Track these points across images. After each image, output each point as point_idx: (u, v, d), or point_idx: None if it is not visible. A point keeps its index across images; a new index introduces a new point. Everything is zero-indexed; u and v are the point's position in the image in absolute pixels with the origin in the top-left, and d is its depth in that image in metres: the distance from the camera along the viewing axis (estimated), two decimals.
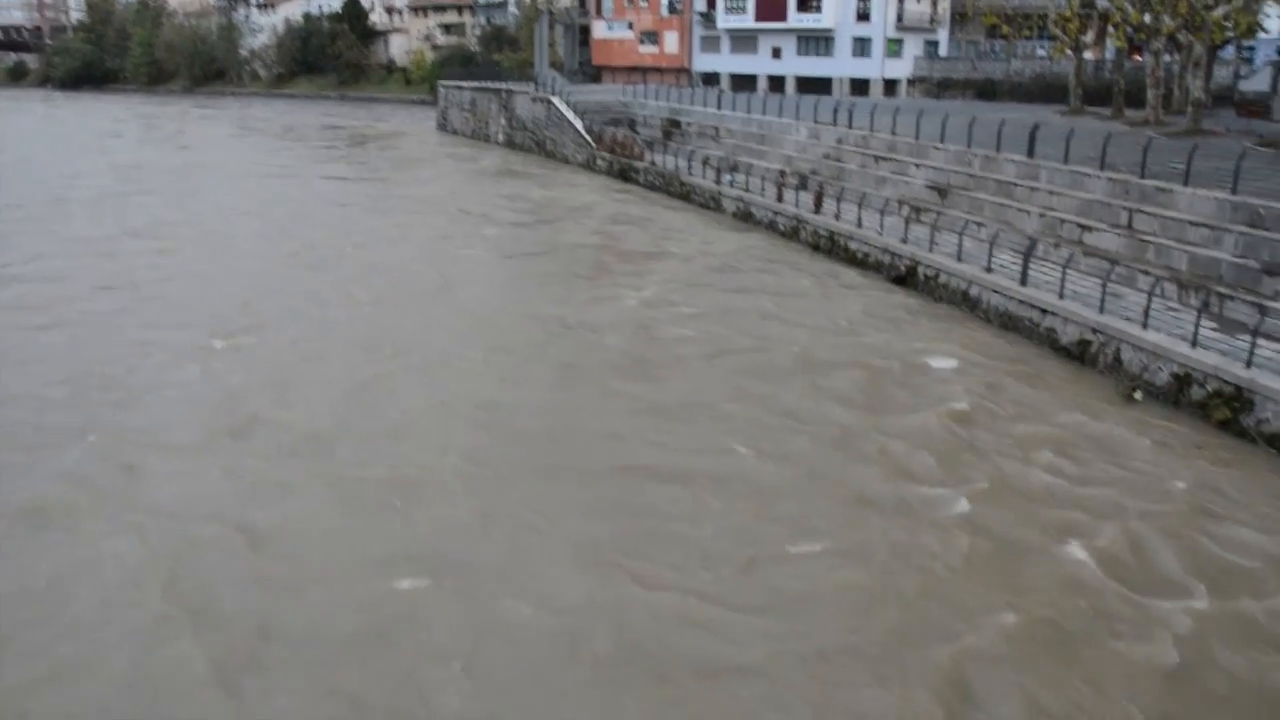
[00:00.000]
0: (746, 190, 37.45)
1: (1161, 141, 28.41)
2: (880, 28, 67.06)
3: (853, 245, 30.08)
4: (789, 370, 20.71)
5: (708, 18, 75.72)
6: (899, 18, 67.75)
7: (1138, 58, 51.79)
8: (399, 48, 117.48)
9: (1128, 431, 17.63)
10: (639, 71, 76.27)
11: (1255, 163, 24.02)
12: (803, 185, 35.86)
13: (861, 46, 67.96)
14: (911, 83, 66.60)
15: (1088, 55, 49.15)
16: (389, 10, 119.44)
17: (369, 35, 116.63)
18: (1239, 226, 22.38)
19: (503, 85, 64.68)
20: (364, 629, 11.63)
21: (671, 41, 79.30)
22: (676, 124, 50.62)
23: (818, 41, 69.73)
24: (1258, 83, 49.77)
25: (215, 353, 21.72)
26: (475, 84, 69.47)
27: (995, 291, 23.89)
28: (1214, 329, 19.38)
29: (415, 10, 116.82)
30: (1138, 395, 19.12)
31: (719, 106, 48.53)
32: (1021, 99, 55.91)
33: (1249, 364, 17.40)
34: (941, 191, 31.23)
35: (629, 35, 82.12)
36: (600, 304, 26.07)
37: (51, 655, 11.11)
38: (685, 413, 18.47)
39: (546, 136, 57.12)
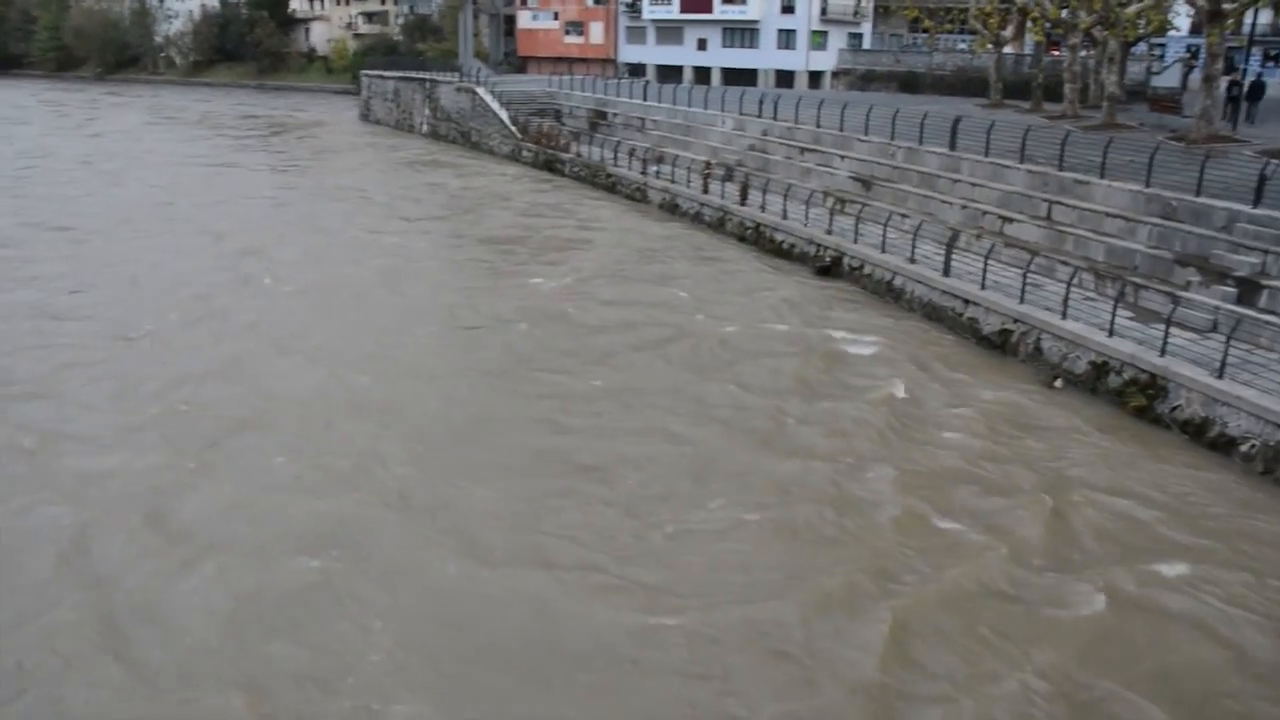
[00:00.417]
0: (673, 182, 37.32)
1: (1078, 135, 28.89)
2: (805, 20, 67.35)
3: (778, 236, 30.12)
4: (707, 358, 20.73)
5: (633, 8, 75.41)
6: (823, 10, 68.11)
7: (1056, 53, 52.82)
8: (320, 36, 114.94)
9: (1045, 417, 17.90)
10: (565, 62, 75.72)
11: (1167, 156, 24.53)
12: (729, 177, 35.84)
13: (786, 39, 68.23)
14: (836, 75, 67.04)
15: (1008, 49, 49.87)
16: None
17: (289, 23, 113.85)
18: (1153, 218, 22.85)
19: (427, 75, 63.62)
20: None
21: (597, 32, 78.84)
22: (602, 115, 50.31)
23: (743, 33, 69.87)
24: (1169, 79, 51.07)
25: (116, 349, 21.08)
26: (399, 74, 68.25)
27: (919, 282, 24.07)
28: (1130, 318, 19.74)
29: None
30: (1058, 383, 19.40)
31: (645, 98, 48.36)
32: (944, 92, 56.61)
33: (1162, 352, 17.74)
34: (865, 183, 31.42)
35: (554, 25, 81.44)
36: (515, 293, 25.83)
37: None
38: (601, 398, 18.50)
39: (471, 127, 56.39)
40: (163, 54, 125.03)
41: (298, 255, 30.04)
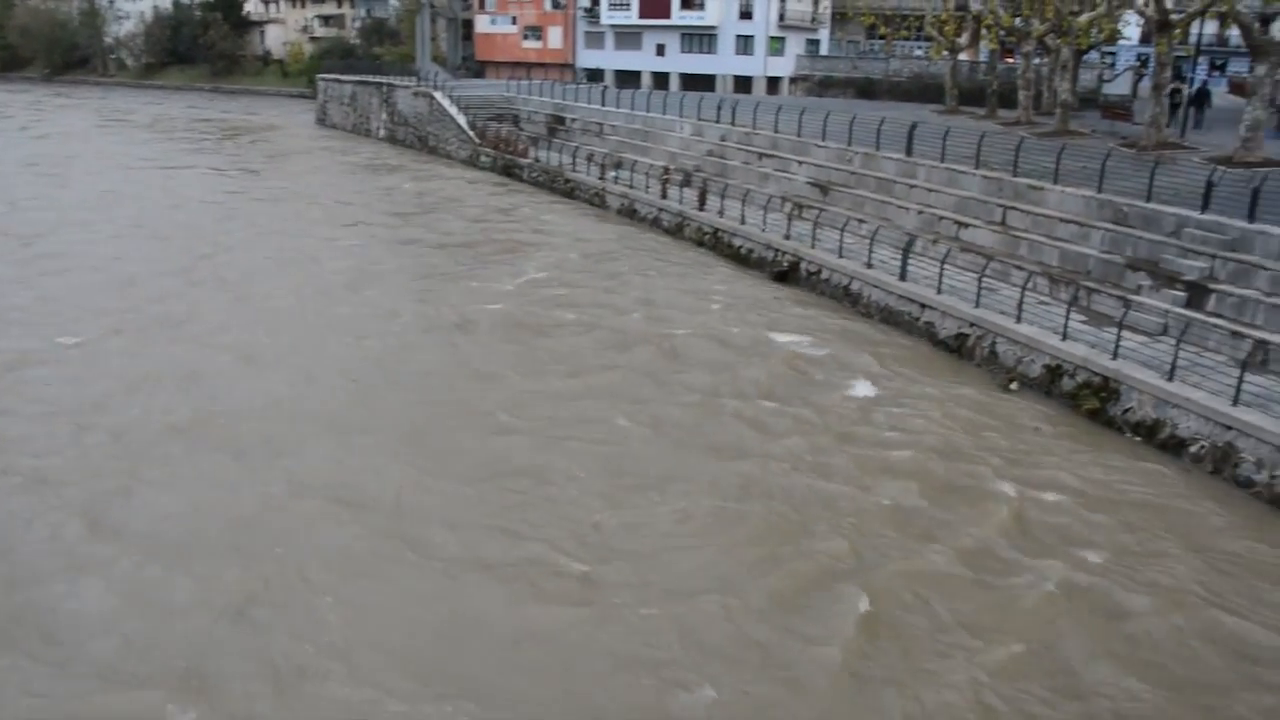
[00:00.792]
0: (631, 187, 37.28)
1: (1032, 141, 29.24)
2: (763, 26, 67.67)
3: (736, 241, 30.16)
4: (658, 362, 20.70)
5: (592, 13, 75.36)
6: (781, 16, 68.47)
7: (1010, 60, 53.43)
8: (276, 39, 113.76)
9: (999, 419, 18.06)
10: (523, 67, 75.48)
11: (1119, 163, 24.87)
12: (687, 182, 35.86)
13: (744, 44, 68.51)
14: (794, 81, 67.43)
15: (963, 57, 50.45)
16: (265, 0, 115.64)
17: (244, 25, 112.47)
18: (1105, 223, 23.15)
19: (384, 79, 63.08)
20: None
21: (555, 37, 78.70)
22: (561, 120, 50.19)
23: (701, 39, 70.08)
24: (1120, 86, 51.90)
25: (62, 351, 20.66)
26: (355, 78, 67.60)
27: (876, 287, 24.20)
28: (1083, 322, 19.96)
29: (293, 1, 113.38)
30: (1013, 386, 19.57)
31: (603, 103, 48.30)
32: (900, 98, 57.09)
33: (1115, 355, 17.97)
34: (823, 188, 31.57)
35: (513, 30, 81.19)
36: (468, 297, 25.71)
37: None
38: (545, 400, 18.62)
39: (429, 132, 56.01)
40: (113, 55, 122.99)
41: (249, 258, 29.62)
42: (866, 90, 60.96)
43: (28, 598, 11.94)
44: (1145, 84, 44.87)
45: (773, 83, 67.79)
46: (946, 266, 22.74)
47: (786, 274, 27.57)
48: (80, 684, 10.54)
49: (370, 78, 65.28)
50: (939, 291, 22.33)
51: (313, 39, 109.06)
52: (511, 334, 22.75)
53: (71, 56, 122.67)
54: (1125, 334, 18.18)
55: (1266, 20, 55.64)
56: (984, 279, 21.72)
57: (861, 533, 13.90)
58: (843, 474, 15.74)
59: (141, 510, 14.10)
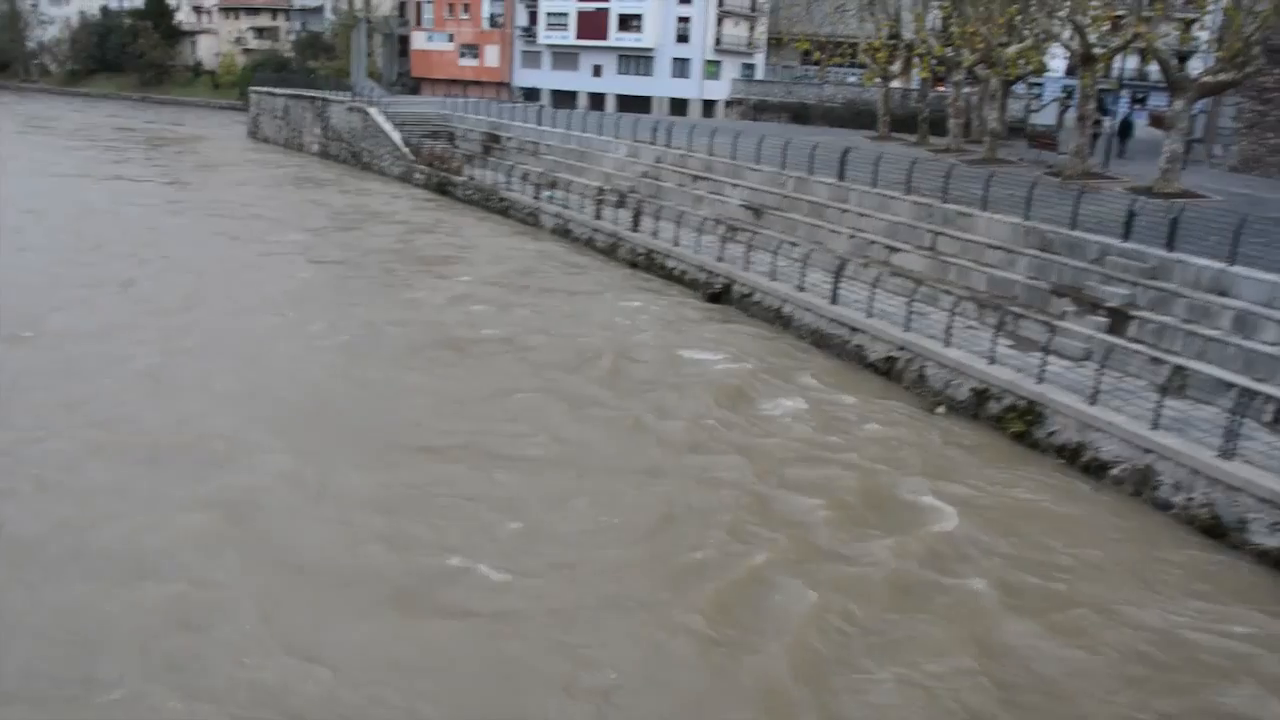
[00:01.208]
0: (565, 207, 37.19)
1: (962, 168, 29.74)
2: (699, 49, 68.32)
3: (669, 263, 30.20)
4: (589, 385, 20.51)
5: (529, 33, 75.44)
6: (717, 40, 69.21)
7: (941, 88, 54.45)
8: (207, 50, 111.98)
9: (924, 442, 18.20)
10: (459, 84, 75.30)
11: (1045, 191, 25.35)
12: (622, 203, 35.85)
13: (681, 67, 69.08)
14: (729, 104, 68.07)
15: (895, 84, 51.32)
16: (197, 10, 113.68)
17: (174, 35, 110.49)
18: (1031, 250, 23.58)
19: (318, 94, 62.35)
20: None
21: (492, 55, 78.59)
22: (496, 139, 49.98)
23: (638, 61, 70.48)
24: (1046, 116, 53.23)
25: None
26: (289, 91, 66.76)
27: (807, 310, 24.35)
28: (1010, 346, 20.23)
29: (225, 11, 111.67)
30: (941, 410, 19.75)
31: (539, 122, 48.21)
32: (834, 123, 57.90)
33: (1039, 380, 18.24)
34: (756, 211, 31.77)
35: (449, 47, 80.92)
36: (395, 312, 25.46)
37: None
38: (474, 405, 18.68)
39: (363, 148, 55.43)
40: (36, 61, 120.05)
41: (168, 270, 28.92)
42: (801, 115, 61.70)
43: None
44: (1071, 115, 46.06)
45: (708, 105, 68.38)
46: (877, 290, 22.95)
47: (719, 296, 27.64)
48: None
49: (304, 92, 64.52)
50: (869, 315, 22.53)
51: (246, 51, 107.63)
52: (426, 350, 22.62)
53: None
54: (1050, 359, 18.48)
55: (1183, 57, 57.52)
56: (914, 303, 21.96)
57: (776, 550, 13.97)
58: (757, 488, 15.78)
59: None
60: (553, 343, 23.26)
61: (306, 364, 21.11)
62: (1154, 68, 47.75)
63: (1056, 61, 62.96)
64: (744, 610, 12.50)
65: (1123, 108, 56.24)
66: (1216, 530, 14.91)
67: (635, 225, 32.93)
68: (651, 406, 19.28)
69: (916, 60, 44.98)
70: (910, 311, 21.67)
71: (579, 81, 73.14)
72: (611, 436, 17.86)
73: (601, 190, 37.45)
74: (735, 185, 33.72)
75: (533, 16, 74.89)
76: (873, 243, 27.27)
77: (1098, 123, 37.73)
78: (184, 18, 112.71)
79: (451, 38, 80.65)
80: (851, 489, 16.02)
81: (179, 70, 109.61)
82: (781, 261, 26.33)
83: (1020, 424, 18.28)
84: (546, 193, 39.25)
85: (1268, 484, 14.36)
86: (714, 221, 31.45)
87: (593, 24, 70.93)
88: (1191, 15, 45.22)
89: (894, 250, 26.57)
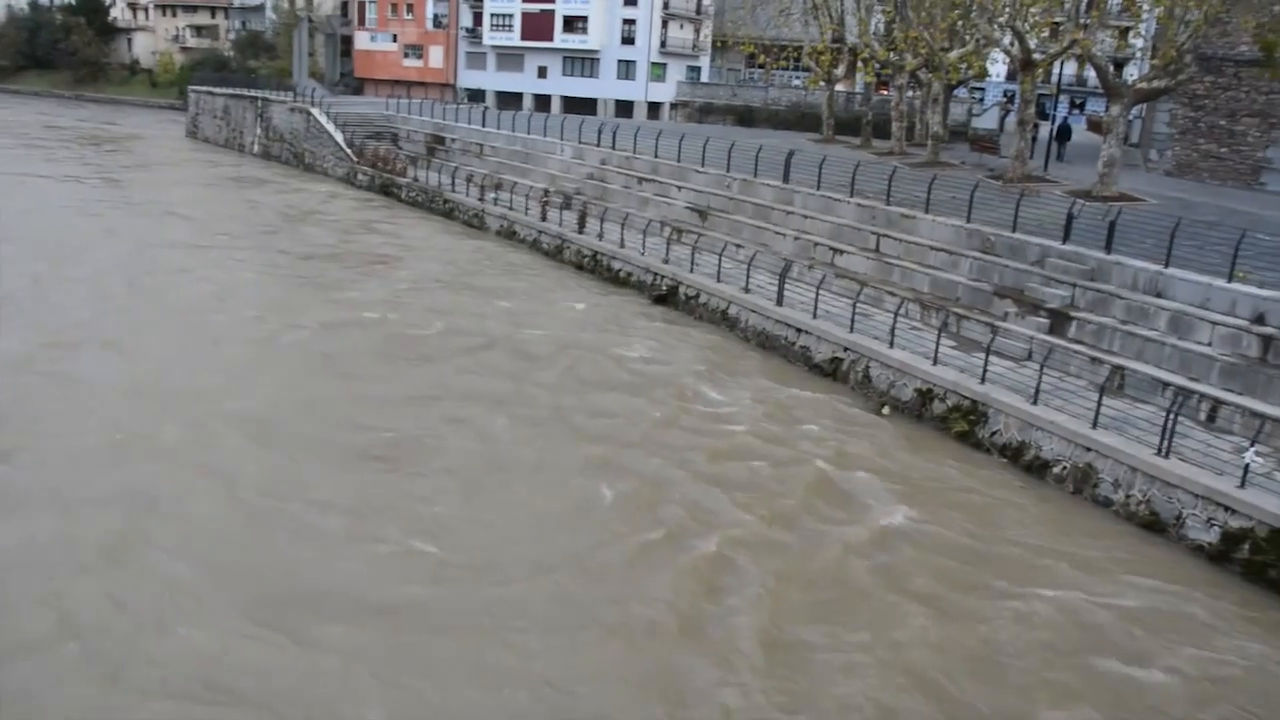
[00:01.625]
0: (511, 208, 36.93)
1: (905, 171, 30.02)
2: (644, 52, 68.36)
3: (615, 265, 30.11)
4: (548, 397, 20.36)
5: (474, 34, 74.92)
6: (663, 43, 69.32)
7: (884, 92, 55.03)
8: (144, 48, 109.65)
9: (870, 442, 18.30)
10: (403, 85, 74.49)
11: (986, 194, 25.67)
12: (567, 205, 35.71)
13: (626, 69, 69.07)
14: (674, 106, 68.14)
15: (839, 88, 51.74)
16: (132, 6, 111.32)
17: (109, 32, 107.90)
18: (973, 252, 23.86)
19: (259, 93, 61.34)
20: None
21: (437, 56, 77.94)
22: (441, 140, 49.56)
23: (583, 62, 70.34)
24: (987, 120, 54.00)
25: None
26: (229, 90, 65.61)
27: (753, 311, 24.39)
28: (953, 347, 20.43)
29: (162, 9, 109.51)
30: (886, 410, 19.88)
31: (484, 124, 47.86)
32: (778, 126, 58.17)
33: (983, 380, 18.43)
34: (702, 213, 31.80)
35: (393, 48, 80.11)
36: (330, 314, 25.11)
37: None
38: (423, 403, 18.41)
39: (305, 149, 54.63)
40: None
41: (97, 271, 28.20)
42: (746, 118, 61.93)
43: None
44: (1011, 119, 46.77)
45: (654, 108, 68.44)
46: (822, 292, 23.07)
47: (666, 297, 27.61)
48: None
49: (245, 91, 63.49)
50: (814, 316, 22.62)
51: (184, 49, 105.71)
52: (366, 346, 22.54)
53: None
54: (993, 359, 18.67)
55: (1120, 64, 58.73)
56: (858, 304, 22.10)
57: (717, 543, 14.05)
58: (699, 485, 15.84)
59: None
60: (492, 343, 23.08)
61: (213, 371, 20.65)
62: (1092, 73, 48.70)
63: (997, 67, 64.05)
64: (691, 602, 12.52)
65: (1061, 112, 57.25)
66: (1155, 526, 15.16)
67: (581, 227, 32.80)
68: (589, 408, 19.19)
69: (860, 64, 45.39)
70: (855, 313, 21.80)
71: (524, 83, 72.82)
72: (543, 436, 17.75)
73: (547, 192, 37.26)
74: (680, 187, 33.74)
75: (477, 17, 74.41)
76: (818, 245, 27.41)
77: (1035, 126, 38.34)
78: (119, 14, 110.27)
79: (395, 38, 79.86)
80: (794, 486, 16.07)
81: (114, 68, 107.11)
82: (727, 263, 26.37)
83: (964, 424, 18.45)
84: (491, 195, 38.96)
85: (1203, 480, 14.63)
86: (660, 223, 31.43)
87: (538, 25, 70.65)
88: (1127, 23, 46.17)
89: (839, 252, 26.72)
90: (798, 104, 60.49)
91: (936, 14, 35.99)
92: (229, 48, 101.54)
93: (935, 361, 19.50)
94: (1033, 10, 30.66)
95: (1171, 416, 15.35)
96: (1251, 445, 14.56)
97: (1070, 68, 65.22)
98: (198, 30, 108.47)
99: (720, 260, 26.28)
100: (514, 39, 72.06)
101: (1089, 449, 16.27)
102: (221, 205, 41.48)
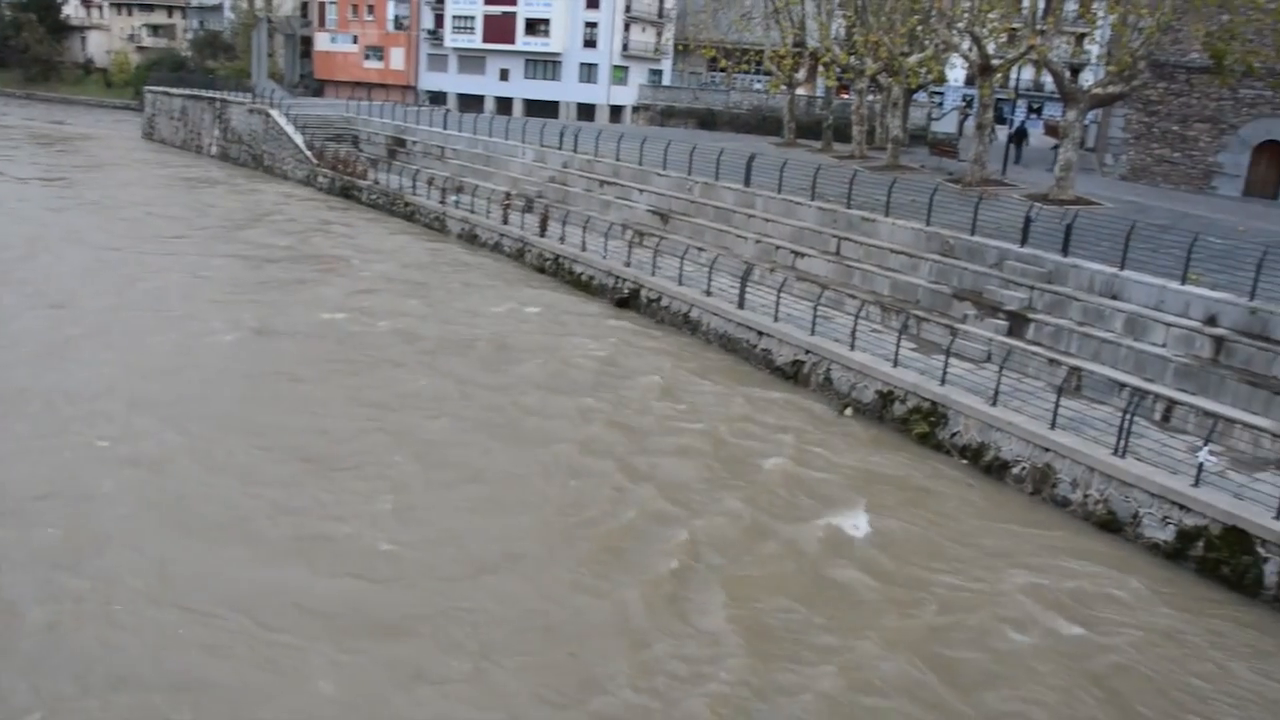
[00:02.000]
0: (472, 211, 36.74)
1: (865, 175, 30.22)
2: (606, 55, 68.34)
3: (577, 268, 30.04)
4: (498, 398, 20.26)
5: (435, 36, 74.54)
6: (625, 46, 69.33)
7: (845, 96, 55.31)
8: (99, 46, 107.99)
9: (830, 446, 18.36)
10: (364, 87, 73.85)
11: (945, 197, 25.90)
12: (529, 208, 35.59)
13: (588, 72, 69.02)
14: (636, 109, 68.11)
15: (801, 91, 51.91)
16: (86, 4, 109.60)
17: (62, 29, 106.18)
18: (932, 255, 24.05)
19: (217, 94, 60.61)
20: None
21: (398, 58, 77.45)
22: (401, 142, 49.23)
23: (545, 65, 70.20)
24: (947, 125, 54.43)
25: None
26: (187, 91, 64.79)
27: (715, 314, 24.42)
28: (913, 349, 20.59)
29: (118, 7, 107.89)
30: (848, 412, 19.97)
31: (445, 126, 47.61)
32: (740, 129, 58.30)
33: (942, 382, 18.57)
34: (664, 217, 31.81)
35: (354, 49, 79.52)
36: (291, 316, 24.90)
37: None
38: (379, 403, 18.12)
39: (264, 150, 54.08)
40: None
41: (50, 271, 27.83)
42: (707, 121, 62.02)
43: None
44: (970, 123, 47.21)
45: (616, 111, 68.40)
46: (783, 295, 23.15)
47: (628, 301, 27.58)
48: None
49: (203, 92, 62.73)
50: (776, 319, 22.69)
51: (140, 49, 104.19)
52: (317, 348, 22.44)
53: None
54: (952, 361, 18.83)
55: (1076, 69, 59.49)
56: (819, 307, 22.21)
57: (680, 542, 14.09)
58: (667, 490, 15.80)
59: None
60: (455, 348, 22.95)
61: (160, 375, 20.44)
62: (1049, 79, 49.27)
63: (956, 71, 64.77)
64: (660, 600, 12.50)
65: (1019, 117, 57.90)
66: (1112, 525, 15.35)
67: (543, 230, 32.70)
68: (554, 410, 19.13)
69: (821, 68, 45.52)
70: (816, 316, 21.89)
71: (486, 85, 72.53)
72: (495, 439, 17.73)
73: (509, 195, 37.11)
74: (642, 191, 33.73)
75: (439, 19, 74.05)
76: (779, 248, 27.51)
77: (994, 130, 38.78)
78: (72, 12, 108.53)
79: (356, 39, 79.28)
80: (753, 488, 16.12)
81: (68, 67, 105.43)
82: (689, 266, 26.39)
83: (924, 425, 18.58)
84: (453, 198, 38.75)
85: (1158, 480, 14.83)
86: (621, 227, 31.41)
87: (500, 28, 70.42)
88: (1083, 30, 46.77)
89: (800, 255, 26.83)
90: (759, 108, 60.65)
91: (896, 19, 36.23)
92: (186, 48, 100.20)
93: (896, 364, 19.63)
94: (990, 16, 30.94)
95: (1128, 417, 15.55)
96: (1205, 445, 14.79)
97: (1028, 73, 65.89)
98: (154, 29, 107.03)
99: (682, 264, 26.30)
100: (476, 41, 71.77)
101: (1047, 449, 16.44)
102: (176, 207, 40.87)
